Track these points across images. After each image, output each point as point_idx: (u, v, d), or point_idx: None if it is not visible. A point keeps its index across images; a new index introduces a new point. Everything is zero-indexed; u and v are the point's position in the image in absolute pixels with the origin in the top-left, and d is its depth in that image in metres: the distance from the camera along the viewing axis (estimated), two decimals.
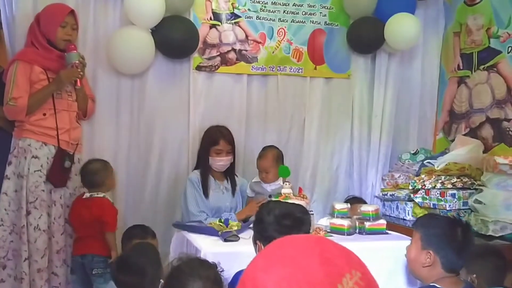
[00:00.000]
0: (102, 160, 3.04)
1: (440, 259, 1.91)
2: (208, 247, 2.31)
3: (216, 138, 3.10)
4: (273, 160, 3.12)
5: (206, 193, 3.06)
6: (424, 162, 3.60)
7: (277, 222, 1.86)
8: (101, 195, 2.93)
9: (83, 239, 2.91)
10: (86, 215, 2.88)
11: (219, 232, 2.45)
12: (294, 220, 1.88)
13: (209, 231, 2.52)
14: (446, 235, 1.92)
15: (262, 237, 1.89)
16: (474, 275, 2.01)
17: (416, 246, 1.99)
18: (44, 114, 2.87)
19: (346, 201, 3.03)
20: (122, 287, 2.07)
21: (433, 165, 3.45)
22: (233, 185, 3.17)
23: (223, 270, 1.67)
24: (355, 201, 3.13)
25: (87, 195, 2.93)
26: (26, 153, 2.83)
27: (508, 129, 3.41)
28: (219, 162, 3.07)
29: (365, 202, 3.30)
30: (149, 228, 2.93)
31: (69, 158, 2.94)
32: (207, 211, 3.02)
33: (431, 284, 1.89)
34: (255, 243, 1.96)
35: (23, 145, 2.85)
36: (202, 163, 3.13)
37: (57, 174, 2.89)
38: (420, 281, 2.05)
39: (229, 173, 3.18)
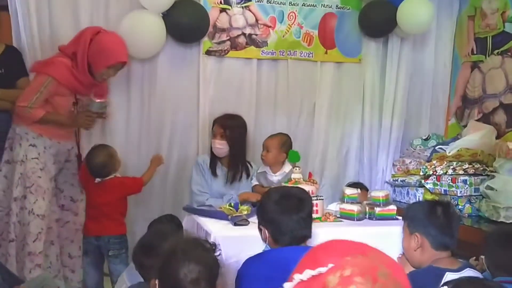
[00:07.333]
0: (104, 148, 3.00)
1: (426, 238, 1.97)
2: (218, 231, 2.32)
3: (213, 121, 3.15)
4: (278, 142, 3.06)
5: (214, 173, 3.10)
6: (436, 147, 3.57)
7: (277, 203, 1.92)
8: (112, 176, 2.96)
9: (98, 220, 2.94)
10: (102, 197, 2.93)
11: (229, 216, 2.47)
12: (293, 200, 1.93)
13: (219, 215, 2.54)
14: (426, 215, 1.99)
15: (264, 220, 1.95)
16: None
17: (405, 235, 2.06)
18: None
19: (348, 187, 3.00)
20: (147, 271, 1.98)
21: (445, 150, 3.42)
22: (235, 174, 3.11)
23: (220, 254, 1.61)
24: (356, 187, 3.09)
25: (98, 180, 2.95)
26: (22, 140, 2.83)
27: None
28: (213, 144, 3.09)
29: (367, 188, 3.27)
30: (176, 217, 2.91)
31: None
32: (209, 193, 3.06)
33: (429, 265, 1.93)
34: (259, 229, 1.99)
35: (19, 132, 2.85)
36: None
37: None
38: (419, 267, 2.06)
39: (233, 164, 3.11)
